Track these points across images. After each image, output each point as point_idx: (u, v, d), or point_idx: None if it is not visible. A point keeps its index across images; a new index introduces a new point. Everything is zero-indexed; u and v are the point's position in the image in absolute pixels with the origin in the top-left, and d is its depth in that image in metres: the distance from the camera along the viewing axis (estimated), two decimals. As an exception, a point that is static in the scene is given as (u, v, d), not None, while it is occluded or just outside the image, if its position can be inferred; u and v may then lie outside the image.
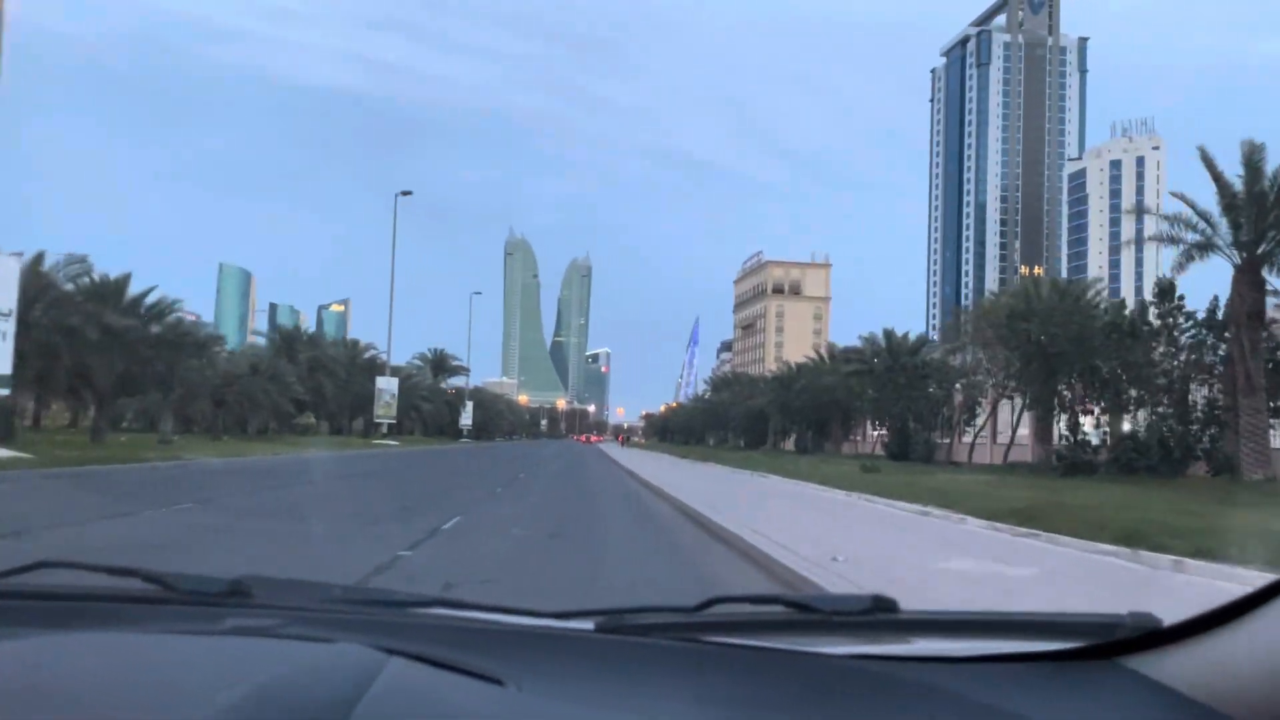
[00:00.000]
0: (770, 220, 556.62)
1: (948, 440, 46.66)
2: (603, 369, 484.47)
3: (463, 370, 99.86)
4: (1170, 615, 1.16)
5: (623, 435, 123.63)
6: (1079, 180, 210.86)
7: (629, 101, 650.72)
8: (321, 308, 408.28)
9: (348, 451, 48.39)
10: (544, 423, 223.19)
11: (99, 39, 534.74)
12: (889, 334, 53.18)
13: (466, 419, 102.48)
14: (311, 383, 58.28)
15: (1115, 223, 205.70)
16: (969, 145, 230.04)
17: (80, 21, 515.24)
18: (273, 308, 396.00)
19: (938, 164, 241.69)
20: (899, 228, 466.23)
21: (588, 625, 1.40)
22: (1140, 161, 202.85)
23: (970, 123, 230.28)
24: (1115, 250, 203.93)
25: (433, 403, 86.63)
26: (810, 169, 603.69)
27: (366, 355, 72.32)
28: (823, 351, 67.22)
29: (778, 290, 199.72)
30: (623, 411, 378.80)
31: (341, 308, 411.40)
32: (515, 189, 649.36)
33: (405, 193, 67.05)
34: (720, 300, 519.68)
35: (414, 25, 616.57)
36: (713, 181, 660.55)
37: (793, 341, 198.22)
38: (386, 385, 67.16)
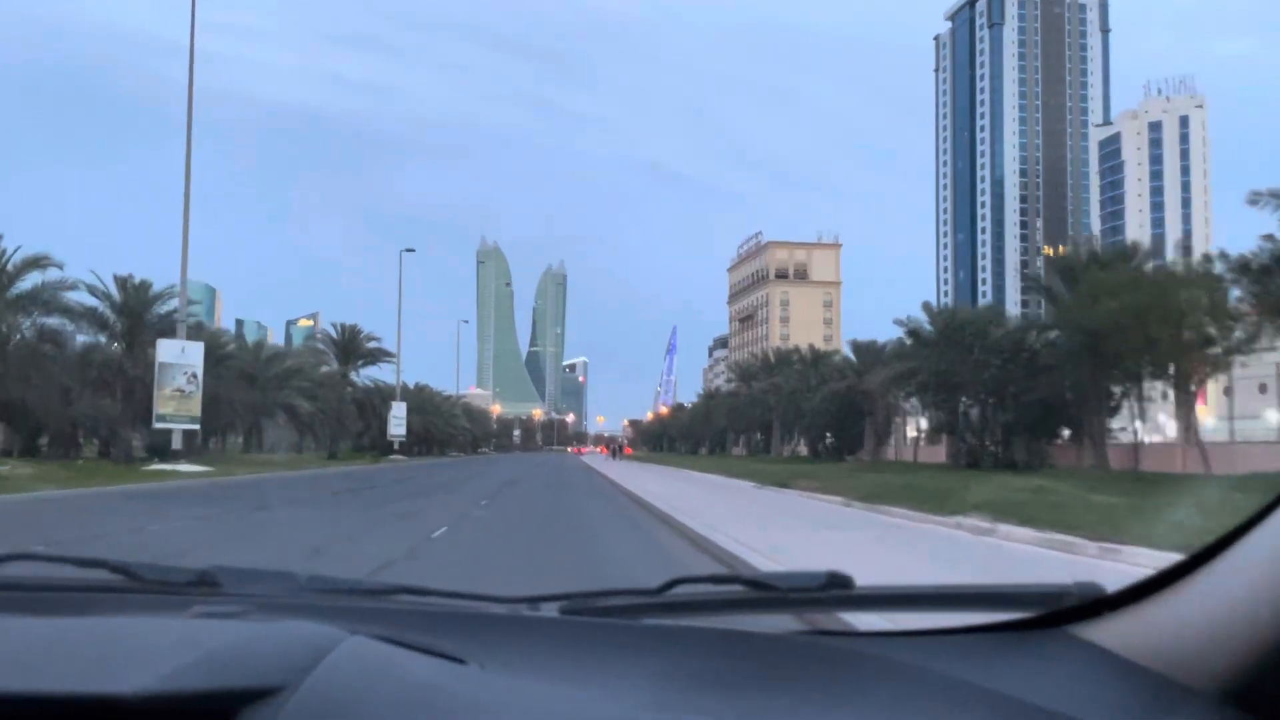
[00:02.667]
0: (748, 229, 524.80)
1: None
2: (580, 379, 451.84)
3: (386, 356, 65.65)
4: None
5: (621, 443, 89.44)
6: (1112, 146, 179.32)
7: (598, 113, 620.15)
8: (290, 323, 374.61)
9: None
10: (517, 434, 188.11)
11: (65, 61, 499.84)
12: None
13: (397, 427, 68.44)
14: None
15: (1158, 191, 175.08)
16: (982, 115, 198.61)
17: (45, 47, 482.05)
18: (238, 324, 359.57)
19: (945, 139, 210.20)
20: (891, 226, 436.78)
21: (552, 609, 1.36)
22: (1184, 121, 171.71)
23: (983, 90, 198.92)
24: (1159, 222, 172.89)
25: (321, 400, 52.54)
26: (787, 177, 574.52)
27: (159, 310, 37.60)
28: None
29: (781, 275, 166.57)
30: (603, 420, 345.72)
31: (310, 322, 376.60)
32: (486, 202, 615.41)
33: None
34: (697, 312, 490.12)
35: (379, 41, 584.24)
36: (686, 191, 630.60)
37: (801, 331, 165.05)
38: (178, 358, 33.28)
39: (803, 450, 57.67)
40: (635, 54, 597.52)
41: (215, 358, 42.31)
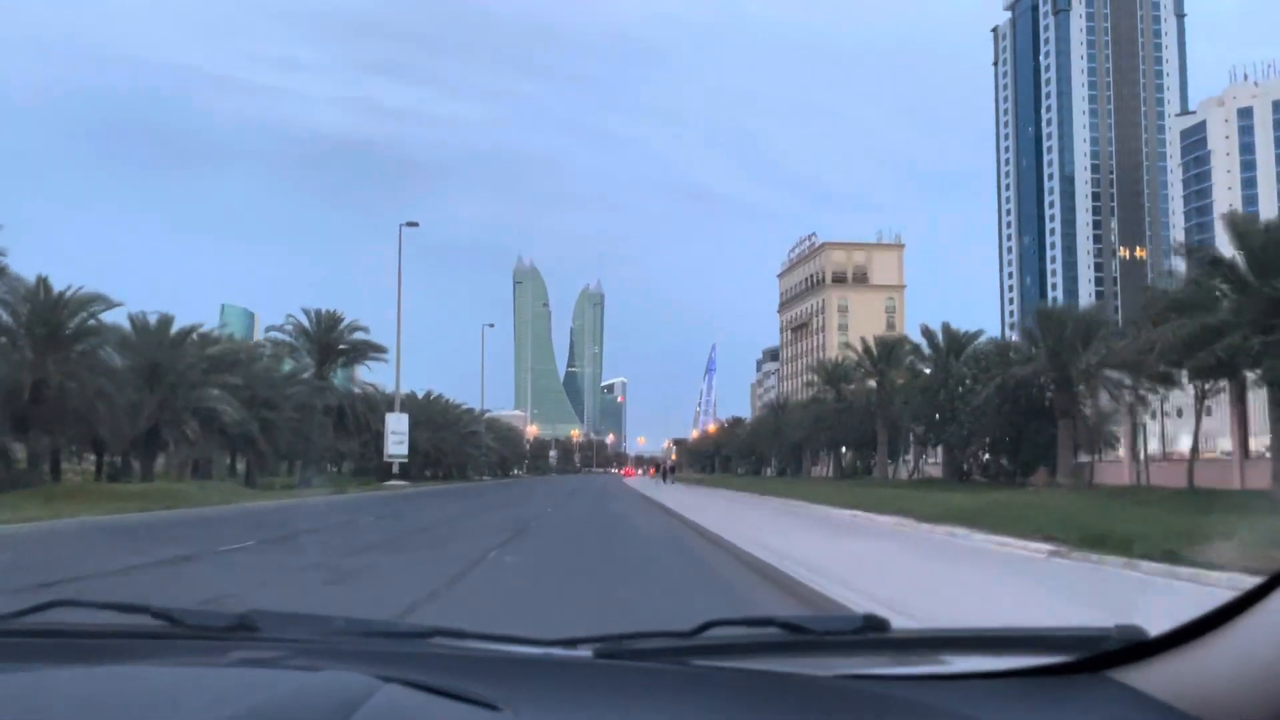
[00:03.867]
0: (790, 245, 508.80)
1: None
2: (619, 399, 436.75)
3: (375, 351, 50.15)
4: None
5: (673, 463, 72.20)
6: (1197, 136, 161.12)
7: (635, 135, 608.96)
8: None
9: None
10: (553, 454, 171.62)
11: (103, 92, 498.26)
12: None
13: (396, 445, 53.00)
14: None
15: (1250, 182, 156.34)
16: (1048, 108, 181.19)
17: (85, 76, 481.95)
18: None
19: (1007, 137, 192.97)
20: (944, 239, 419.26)
21: (586, 652, 1.33)
22: (1278, 106, 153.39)
23: (1048, 81, 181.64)
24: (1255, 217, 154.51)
25: (279, 407, 37.16)
26: (829, 195, 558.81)
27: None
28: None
29: (839, 279, 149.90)
30: (644, 441, 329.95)
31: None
32: (523, 226, 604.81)
33: None
34: (737, 332, 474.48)
35: (415, 68, 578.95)
36: (724, 212, 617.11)
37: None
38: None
39: (932, 469, 41.35)
40: (672, 77, 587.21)
41: (73, 333, 27.04)
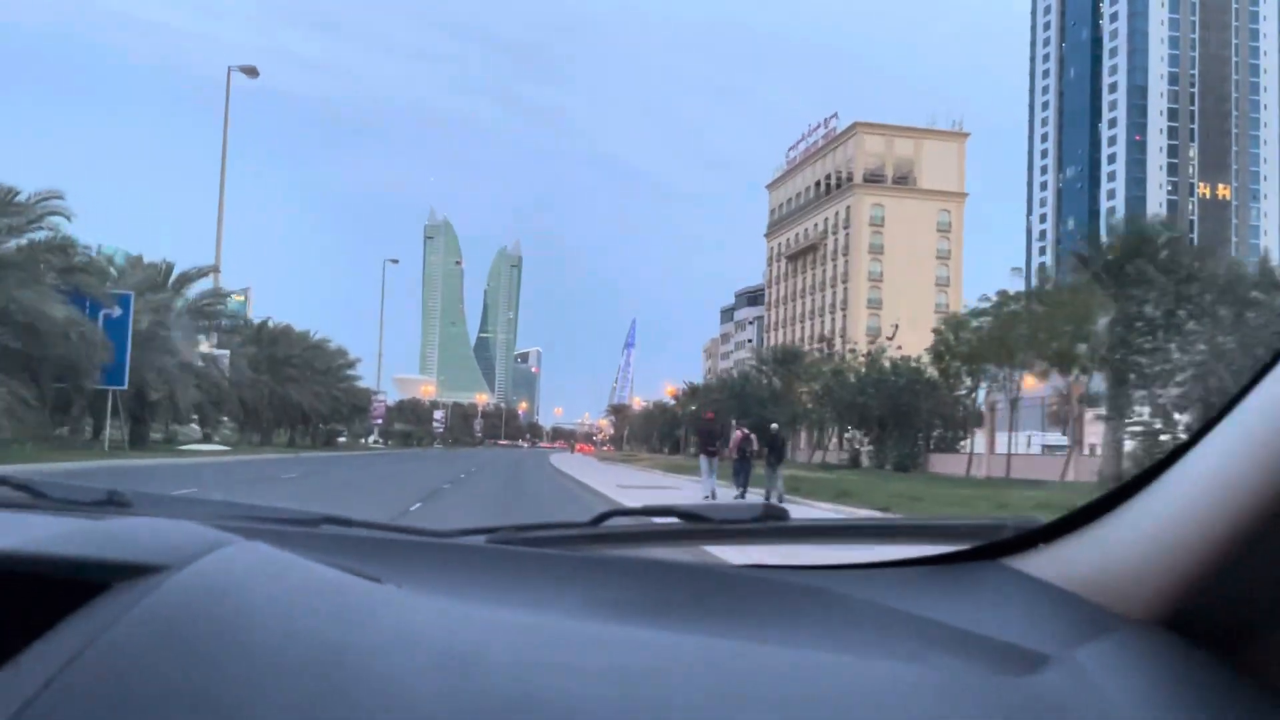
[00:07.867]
0: (711, 228, 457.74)
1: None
2: (534, 369, 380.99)
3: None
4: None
5: (750, 435, 26.96)
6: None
7: (560, 106, 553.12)
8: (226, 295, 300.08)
9: None
10: (439, 418, 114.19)
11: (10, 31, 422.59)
12: None
13: None
14: None
15: None
16: (1112, 0, 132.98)
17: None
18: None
19: (1048, 42, 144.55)
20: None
21: (480, 540, 1.26)
22: None
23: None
24: None
25: None
26: (751, 179, 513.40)
27: None
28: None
29: (873, 179, 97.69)
30: (561, 412, 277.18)
31: (242, 297, 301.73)
32: (441, 189, 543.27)
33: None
34: (661, 306, 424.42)
35: (337, 23, 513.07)
36: (649, 192, 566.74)
37: (901, 267, 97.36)
38: None
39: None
40: (598, 50, 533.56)
41: None
